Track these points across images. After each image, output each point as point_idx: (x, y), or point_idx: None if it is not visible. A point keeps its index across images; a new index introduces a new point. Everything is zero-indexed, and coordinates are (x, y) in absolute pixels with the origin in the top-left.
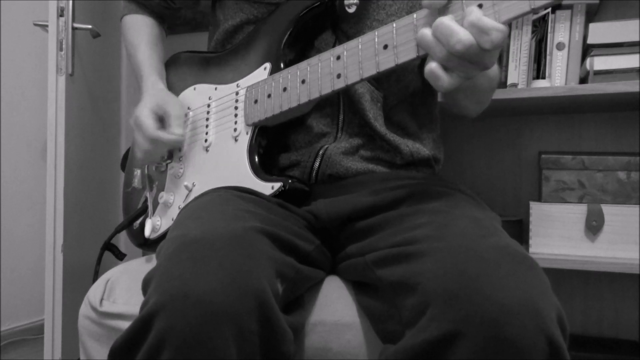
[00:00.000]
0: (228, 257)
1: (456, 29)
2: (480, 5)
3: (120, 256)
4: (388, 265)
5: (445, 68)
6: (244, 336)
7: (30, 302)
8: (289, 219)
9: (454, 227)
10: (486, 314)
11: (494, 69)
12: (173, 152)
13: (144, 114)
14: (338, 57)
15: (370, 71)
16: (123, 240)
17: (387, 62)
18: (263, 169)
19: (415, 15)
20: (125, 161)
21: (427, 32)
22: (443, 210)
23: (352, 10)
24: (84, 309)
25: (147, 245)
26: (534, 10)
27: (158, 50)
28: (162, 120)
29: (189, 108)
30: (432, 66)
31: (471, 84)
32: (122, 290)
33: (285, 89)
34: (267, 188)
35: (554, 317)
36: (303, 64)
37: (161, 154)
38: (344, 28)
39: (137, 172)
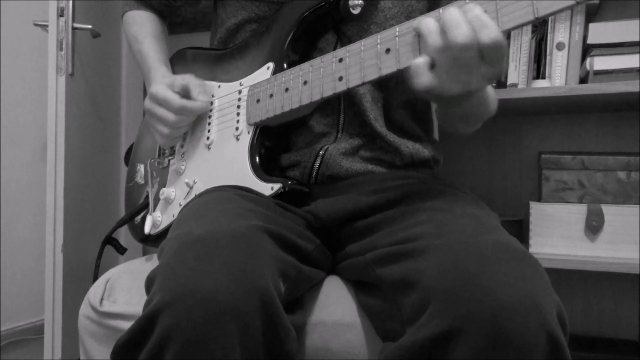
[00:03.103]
0: (232, 255)
1: (463, 22)
2: (387, 50)
3: (121, 250)
4: (388, 263)
5: (432, 66)
6: (248, 335)
7: (30, 302)
8: (290, 218)
9: (453, 224)
10: (486, 311)
11: (492, 96)
12: (175, 149)
13: (163, 89)
14: (340, 60)
15: (372, 75)
16: (123, 236)
17: (390, 66)
18: (264, 169)
19: (418, 19)
20: (129, 155)
21: (430, 19)
22: (443, 208)
23: (356, 11)
24: (84, 309)
25: (149, 241)
26: (537, 20)
27: (163, 44)
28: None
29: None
30: (420, 60)
31: (470, 112)
32: (122, 290)
33: (287, 90)
34: (267, 189)
35: (554, 314)
36: (305, 65)
37: (187, 127)
38: (345, 29)
39: (140, 167)
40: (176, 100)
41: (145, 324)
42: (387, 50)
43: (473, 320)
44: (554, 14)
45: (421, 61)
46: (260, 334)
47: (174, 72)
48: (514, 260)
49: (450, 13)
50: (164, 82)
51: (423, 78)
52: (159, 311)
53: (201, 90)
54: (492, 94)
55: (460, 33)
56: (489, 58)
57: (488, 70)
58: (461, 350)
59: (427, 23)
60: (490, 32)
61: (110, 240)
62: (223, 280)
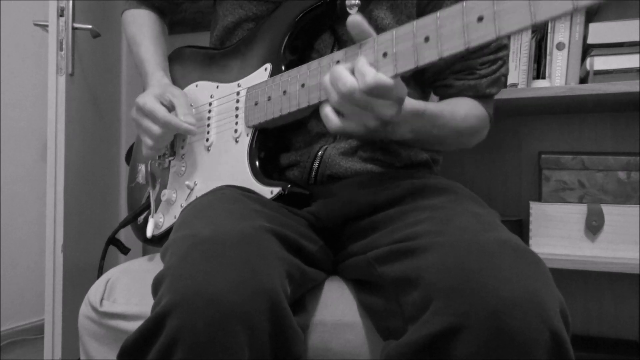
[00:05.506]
0: (240, 256)
1: (344, 75)
2: (385, 54)
3: (125, 250)
4: (390, 261)
5: (339, 112)
6: (256, 336)
7: (30, 302)
8: (293, 219)
9: (455, 222)
10: (489, 307)
11: (454, 122)
12: (175, 150)
13: (151, 100)
14: (337, 62)
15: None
16: (123, 236)
17: (387, 71)
18: (263, 171)
19: (415, 23)
20: (130, 155)
21: (326, 77)
22: (444, 206)
23: (353, 11)
24: (84, 309)
25: (151, 241)
26: (535, 26)
27: (161, 45)
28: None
29: (191, 105)
30: (326, 109)
31: (422, 136)
32: (123, 290)
33: (285, 92)
34: (267, 192)
35: (556, 310)
36: (303, 68)
37: (170, 140)
38: (341, 31)
39: (142, 167)
40: (162, 113)
41: (153, 325)
42: (384, 54)
43: (475, 317)
44: (552, 19)
45: (327, 109)
46: (267, 335)
47: (171, 70)
48: (515, 257)
49: (336, 69)
50: (152, 93)
51: (331, 123)
52: (167, 312)
53: (188, 112)
54: (463, 120)
55: (344, 83)
56: (380, 95)
57: (385, 103)
58: (464, 347)
59: (324, 80)
60: (365, 77)
61: (113, 241)
62: (231, 282)
